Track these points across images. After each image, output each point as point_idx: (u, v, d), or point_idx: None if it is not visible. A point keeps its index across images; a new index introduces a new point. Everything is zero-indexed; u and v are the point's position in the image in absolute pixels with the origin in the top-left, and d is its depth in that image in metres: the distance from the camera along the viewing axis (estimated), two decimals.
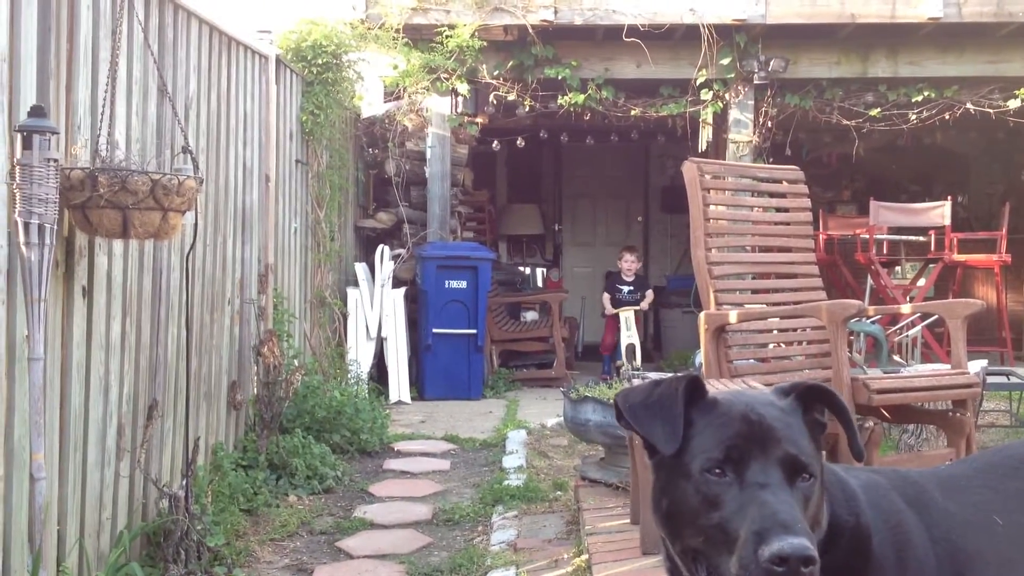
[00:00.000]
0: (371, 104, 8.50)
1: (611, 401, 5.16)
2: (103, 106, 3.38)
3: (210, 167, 4.67)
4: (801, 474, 1.58)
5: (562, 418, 6.45)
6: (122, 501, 3.67)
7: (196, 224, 4.05)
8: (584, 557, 3.88)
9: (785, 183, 4.87)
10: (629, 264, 9.36)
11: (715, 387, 3.87)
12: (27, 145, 2.83)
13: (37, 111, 2.86)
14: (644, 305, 9.30)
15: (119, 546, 3.55)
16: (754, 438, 1.60)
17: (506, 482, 5.33)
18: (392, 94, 8.51)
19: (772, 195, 4.96)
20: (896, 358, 7.59)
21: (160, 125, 4.01)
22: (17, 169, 2.83)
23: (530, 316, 9.62)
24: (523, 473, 5.53)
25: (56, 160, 2.90)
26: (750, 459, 1.59)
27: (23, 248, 2.85)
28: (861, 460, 1.66)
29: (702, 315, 4.31)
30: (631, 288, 9.31)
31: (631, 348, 8.68)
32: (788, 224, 4.84)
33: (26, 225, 2.84)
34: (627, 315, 8.89)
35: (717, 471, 1.59)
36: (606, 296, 9.31)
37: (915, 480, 1.78)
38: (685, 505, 1.60)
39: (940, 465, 2.06)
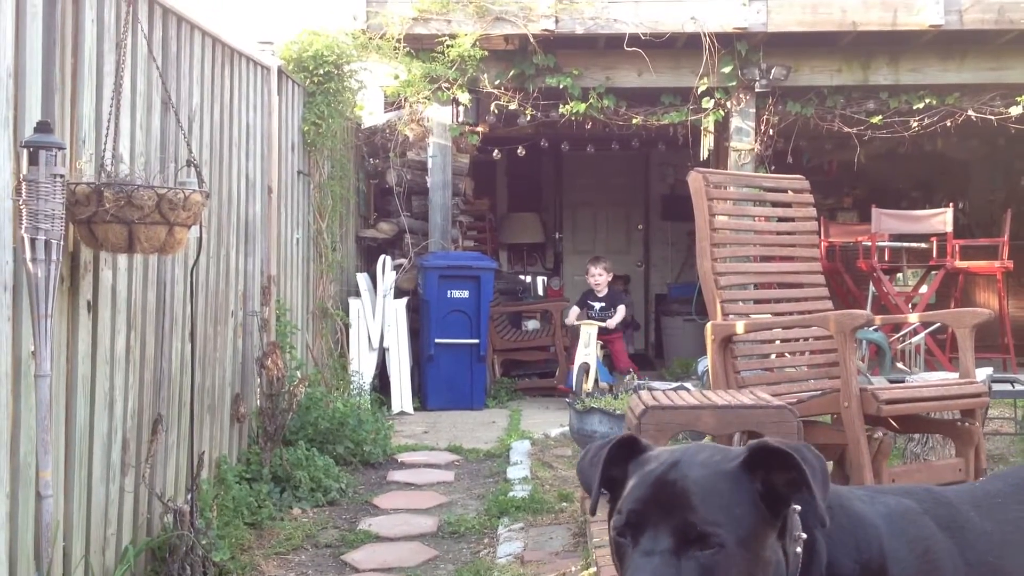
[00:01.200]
0: (372, 114, 8.49)
1: (617, 412, 5.16)
2: (108, 120, 3.36)
3: (213, 179, 4.65)
4: (697, 544, 1.48)
5: (566, 428, 6.46)
6: (127, 516, 3.65)
7: (200, 237, 4.03)
8: (592, 570, 3.86)
9: (790, 192, 4.86)
10: (596, 279, 8.41)
11: (720, 396, 3.86)
12: (33, 161, 2.81)
13: (43, 127, 2.85)
14: (610, 323, 8.19)
15: (124, 562, 3.52)
16: (658, 502, 1.53)
17: (511, 493, 5.30)
18: (393, 104, 8.50)
19: (777, 204, 4.95)
20: (900, 365, 7.59)
21: (164, 138, 4.00)
22: (23, 185, 2.81)
23: (531, 325, 9.60)
24: (528, 484, 5.50)
25: (62, 176, 2.89)
26: (647, 524, 1.53)
27: (29, 264, 2.83)
28: (824, 527, 1.54)
29: (709, 326, 4.30)
30: (603, 305, 8.37)
31: (584, 368, 7.77)
32: (794, 233, 4.83)
33: (32, 241, 2.82)
34: (590, 331, 7.91)
35: (621, 535, 1.55)
36: (574, 310, 8.40)
37: (949, 500, 1.75)
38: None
39: (974, 482, 2.03)
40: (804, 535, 1.59)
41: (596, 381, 7.73)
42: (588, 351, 7.81)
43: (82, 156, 3.26)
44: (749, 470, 1.56)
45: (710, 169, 5.49)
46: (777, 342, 4.65)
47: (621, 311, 8.35)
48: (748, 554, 1.50)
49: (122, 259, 3.55)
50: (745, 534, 1.51)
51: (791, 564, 1.57)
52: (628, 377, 7.85)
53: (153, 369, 3.88)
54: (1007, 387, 6.08)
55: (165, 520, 3.85)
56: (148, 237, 3.11)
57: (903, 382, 4.87)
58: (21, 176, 2.83)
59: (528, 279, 11.72)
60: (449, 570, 4.30)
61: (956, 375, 4.67)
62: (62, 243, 2.92)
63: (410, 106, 8.20)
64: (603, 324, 8.04)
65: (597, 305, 8.32)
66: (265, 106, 5.59)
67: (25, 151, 2.82)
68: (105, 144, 3.34)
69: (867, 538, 1.65)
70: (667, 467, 1.58)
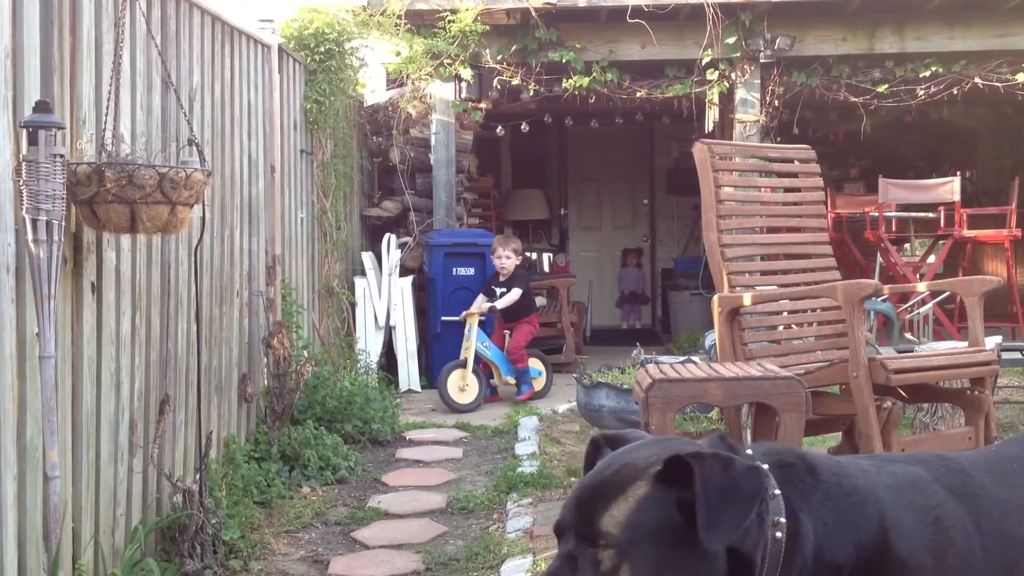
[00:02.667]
0: (374, 91, 8.45)
1: (625, 387, 5.15)
2: (108, 100, 3.33)
3: (215, 159, 4.63)
4: (596, 547, 1.53)
5: (573, 404, 6.45)
6: (136, 497, 3.65)
7: (204, 217, 4.01)
8: None
9: (797, 162, 4.82)
10: (502, 261, 7.49)
11: (728, 369, 3.84)
12: (33, 141, 2.79)
13: (42, 106, 2.83)
14: (485, 306, 7.34)
15: (134, 542, 3.53)
16: (575, 507, 1.60)
17: (519, 469, 5.30)
18: (395, 81, 8.46)
19: (784, 175, 4.91)
20: (908, 336, 7.56)
21: (165, 118, 3.97)
22: (23, 165, 2.79)
23: (538, 302, 9.56)
24: (536, 460, 5.50)
25: (63, 156, 2.87)
26: (565, 528, 1.60)
27: (31, 245, 2.82)
28: (711, 549, 1.49)
29: (715, 298, 4.27)
30: (504, 291, 7.49)
31: (459, 363, 7.10)
32: (800, 204, 4.80)
33: (34, 222, 2.81)
34: (471, 322, 7.20)
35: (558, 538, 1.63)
36: (478, 299, 7.52)
37: (962, 467, 1.71)
38: None
39: (987, 447, 1.98)
40: (784, 520, 1.56)
41: (482, 379, 7.16)
42: (467, 344, 7.16)
43: (82, 136, 3.24)
44: (664, 479, 1.55)
45: (715, 140, 5.46)
46: (784, 313, 4.62)
47: (512, 295, 7.38)
48: (653, 557, 1.50)
49: (125, 240, 3.53)
50: (645, 538, 1.51)
51: (770, 551, 1.54)
52: (512, 379, 7.32)
53: (159, 350, 3.88)
54: (1016, 355, 6.06)
55: (174, 500, 3.86)
56: (151, 217, 3.10)
57: (911, 352, 4.85)
58: (21, 156, 2.81)
59: (534, 256, 11.69)
60: (459, 545, 4.31)
61: (965, 344, 4.64)
62: (64, 224, 2.91)
63: (412, 83, 8.16)
64: (480, 313, 7.26)
65: (499, 291, 7.50)
66: (266, 85, 5.56)
67: (24, 131, 2.80)
68: (105, 124, 3.31)
69: (865, 516, 1.60)
70: (593, 473, 1.62)
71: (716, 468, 1.52)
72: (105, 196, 3.01)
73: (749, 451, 1.71)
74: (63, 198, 2.88)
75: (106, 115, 3.33)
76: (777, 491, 1.57)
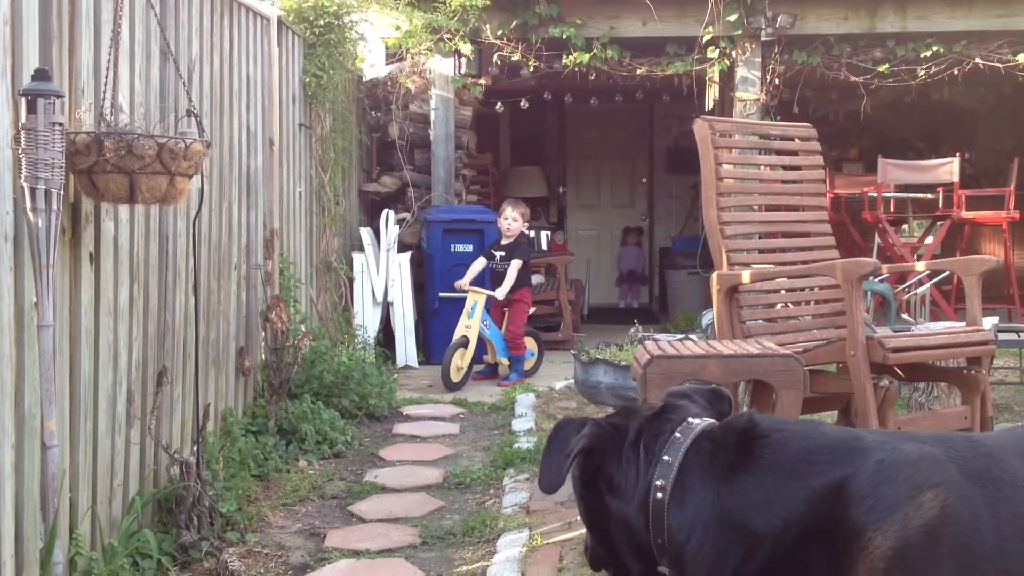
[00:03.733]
0: (373, 66, 8.41)
1: (623, 364, 5.15)
2: (107, 69, 3.31)
3: (214, 131, 4.61)
4: None
5: (571, 380, 6.45)
6: (133, 468, 3.66)
7: (202, 189, 4.00)
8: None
9: (797, 140, 4.81)
10: (508, 223, 7.36)
11: (725, 346, 3.84)
12: (32, 109, 2.78)
13: (41, 74, 2.81)
14: (499, 293, 7.15)
15: (131, 512, 3.53)
16: None
17: (516, 445, 5.31)
18: (395, 56, 8.41)
19: (784, 153, 4.90)
20: (905, 316, 7.56)
21: (164, 88, 3.95)
22: (22, 133, 2.78)
23: (536, 279, 9.56)
24: (533, 436, 5.52)
25: (61, 124, 2.85)
26: None
27: (30, 214, 2.80)
28: (543, 491, 1.94)
29: (714, 275, 4.27)
30: (503, 255, 7.35)
31: (460, 343, 6.98)
32: (800, 182, 4.79)
33: (32, 191, 2.79)
34: (476, 299, 7.09)
35: None
36: (477, 262, 7.39)
37: (988, 450, 1.66)
38: None
39: (1017, 426, 1.92)
40: (664, 483, 1.71)
41: (475, 358, 7.10)
42: (470, 323, 7.05)
43: (81, 105, 3.22)
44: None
45: (716, 117, 5.44)
46: (783, 292, 4.62)
47: (512, 271, 7.19)
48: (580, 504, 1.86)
49: (124, 211, 3.52)
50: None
51: (652, 510, 1.72)
52: (506, 360, 7.26)
53: (157, 322, 3.87)
54: (1012, 336, 6.07)
55: (172, 472, 3.86)
56: (149, 187, 3.08)
57: (908, 332, 4.85)
58: (20, 125, 2.79)
59: (532, 233, 11.68)
60: (455, 520, 4.32)
61: (962, 325, 4.65)
62: (62, 193, 2.89)
63: (412, 58, 8.12)
64: (491, 294, 7.15)
65: (498, 255, 7.37)
66: (265, 57, 5.53)
67: (23, 99, 2.78)
68: (104, 93, 3.29)
69: (805, 488, 1.61)
70: None
71: (553, 432, 1.89)
72: (104, 166, 2.99)
73: (695, 420, 1.79)
74: (62, 167, 2.87)
75: (105, 85, 3.31)
76: (667, 457, 1.73)
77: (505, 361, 7.34)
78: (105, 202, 3.23)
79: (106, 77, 3.31)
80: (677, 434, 1.76)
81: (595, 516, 1.84)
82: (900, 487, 1.57)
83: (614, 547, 1.81)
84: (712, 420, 1.81)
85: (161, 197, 3.13)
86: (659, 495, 1.71)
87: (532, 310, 7.66)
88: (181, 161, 3.10)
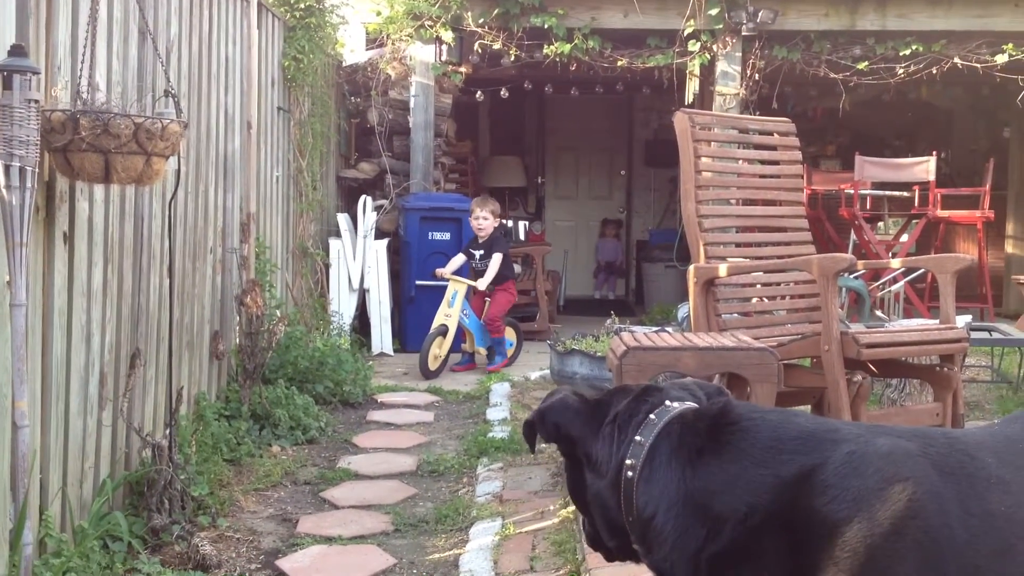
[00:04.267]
0: (354, 51, 8.36)
1: (598, 354, 5.15)
2: (84, 47, 3.27)
3: (191, 112, 4.57)
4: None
5: (546, 371, 6.46)
6: (105, 450, 3.63)
7: (179, 170, 3.97)
8: (571, 508, 3.87)
9: (776, 135, 4.83)
10: (479, 223, 7.35)
11: (701, 339, 3.85)
12: (7, 85, 2.74)
13: (17, 50, 2.77)
14: (480, 283, 7.21)
15: (102, 495, 3.50)
16: None
17: (490, 434, 5.31)
18: (375, 41, 8.38)
19: (763, 147, 4.91)
20: (878, 313, 7.62)
21: (141, 68, 3.91)
22: None
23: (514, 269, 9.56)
24: (507, 425, 5.52)
25: (37, 101, 2.82)
26: None
27: (3, 191, 2.77)
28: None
29: (691, 268, 4.28)
30: (482, 253, 7.37)
31: (440, 331, 6.98)
32: (779, 177, 4.81)
33: (6, 167, 2.76)
34: (455, 288, 7.13)
35: None
36: (456, 259, 7.40)
37: (963, 448, 1.66)
38: None
39: (993, 424, 1.93)
40: (634, 462, 1.75)
41: (454, 347, 7.14)
42: (450, 312, 7.07)
43: (57, 83, 3.18)
44: None
45: (696, 110, 5.45)
46: (759, 286, 4.64)
47: (494, 263, 7.25)
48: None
49: (99, 191, 3.48)
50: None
51: (623, 488, 1.76)
52: (483, 349, 7.27)
53: (131, 304, 3.84)
54: (985, 335, 6.13)
55: (143, 455, 3.83)
56: (125, 167, 3.05)
57: (882, 328, 4.88)
58: None
59: (510, 223, 11.66)
60: (428, 508, 4.31)
61: (935, 322, 4.68)
62: (37, 171, 2.86)
63: (392, 44, 8.08)
64: (471, 284, 7.19)
65: (477, 253, 7.37)
66: (244, 39, 5.48)
67: None
68: (81, 72, 3.25)
69: (772, 475, 1.63)
70: None
71: (543, 400, 1.96)
72: (79, 144, 2.96)
73: (673, 404, 1.81)
74: (36, 144, 2.83)
75: (82, 63, 3.27)
76: (639, 437, 1.76)
77: (483, 351, 7.33)
78: (80, 181, 3.19)
79: (83, 55, 3.27)
80: (652, 416, 1.78)
81: (576, 488, 1.90)
82: (868, 479, 1.58)
83: (593, 518, 1.85)
84: (692, 405, 1.82)
85: (137, 177, 3.10)
86: (629, 474, 1.75)
87: (515, 300, 7.65)
88: (158, 141, 3.07)
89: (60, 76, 3.20)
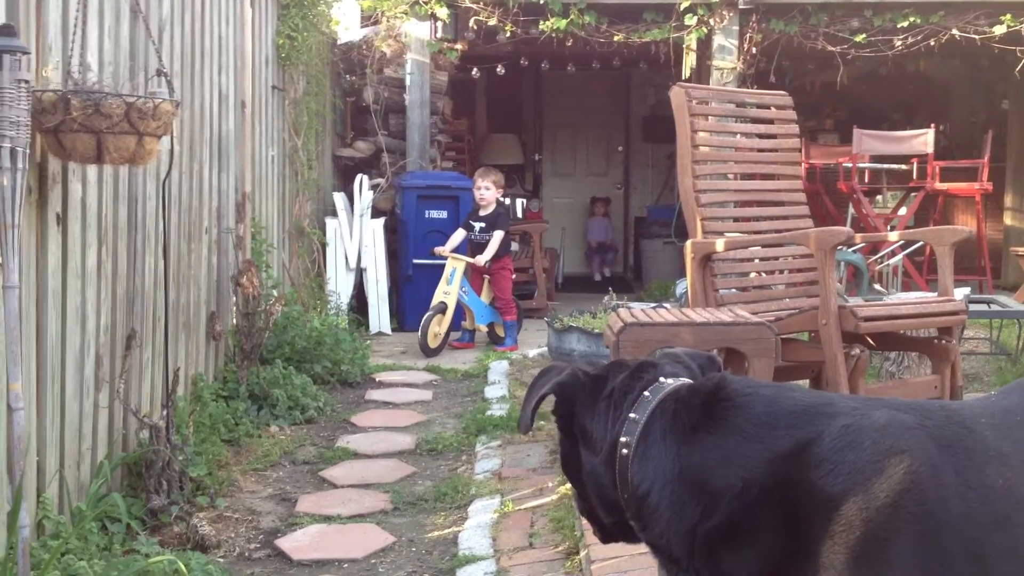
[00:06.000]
0: (348, 29, 8.32)
1: (596, 331, 5.15)
2: (75, 27, 3.24)
3: (185, 92, 4.54)
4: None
5: (544, 348, 6.45)
6: (102, 432, 3.62)
7: (172, 150, 3.94)
8: (569, 485, 3.87)
9: (773, 108, 4.80)
10: (482, 192, 7.29)
11: (699, 314, 3.85)
12: None
13: (7, 30, 2.74)
14: (479, 260, 7.11)
15: (100, 476, 3.50)
16: None
17: (489, 412, 5.31)
18: (370, 18, 8.32)
19: (760, 121, 4.89)
20: (876, 287, 7.61)
21: (133, 48, 3.88)
22: None
23: (512, 246, 9.53)
24: (506, 403, 5.52)
25: (28, 81, 2.79)
26: None
27: None
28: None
29: (688, 243, 4.26)
30: (483, 226, 7.27)
31: (439, 308, 6.93)
32: (776, 151, 4.78)
33: None
34: (456, 265, 7.08)
35: None
36: (457, 233, 7.33)
37: (960, 421, 1.64)
38: None
39: (990, 395, 1.90)
40: (629, 439, 1.73)
41: (453, 325, 7.12)
42: (448, 289, 7.01)
43: (48, 63, 3.15)
44: None
45: (693, 84, 5.42)
46: (756, 260, 4.63)
47: (495, 241, 7.15)
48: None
49: (91, 172, 3.46)
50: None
51: (618, 465, 1.74)
52: (483, 326, 7.26)
53: (126, 285, 3.82)
54: (983, 307, 6.12)
55: (141, 436, 3.83)
56: (117, 147, 3.03)
57: (880, 301, 4.87)
58: None
59: (507, 201, 11.63)
60: (427, 485, 4.32)
61: (933, 295, 4.67)
62: (28, 152, 2.84)
63: (387, 21, 8.04)
64: (471, 260, 7.11)
65: (477, 226, 7.28)
66: (238, 18, 5.44)
67: None
68: (72, 51, 3.22)
69: (766, 449, 1.62)
70: None
71: (538, 375, 1.95)
72: (71, 125, 2.94)
73: (668, 380, 1.80)
74: (27, 125, 2.81)
75: (72, 43, 3.24)
76: (634, 415, 1.74)
77: (483, 328, 7.33)
78: (72, 162, 3.17)
79: (74, 35, 3.24)
80: (647, 393, 1.77)
81: (570, 462, 1.88)
82: (864, 452, 1.57)
83: (588, 495, 1.84)
84: (687, 380, 1.81)
85: (129, 157, 3.08)
86: (624, 451, 1.74)
87: (513, 277, 7.64)
88: (150, 121, 3.05)
89: (51, 56, 3.17)
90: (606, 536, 1.91)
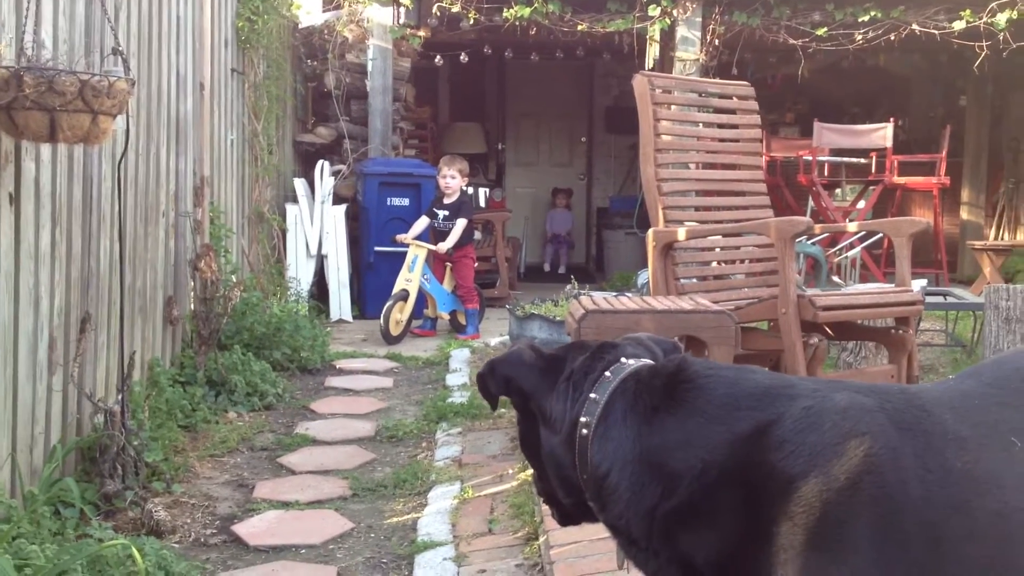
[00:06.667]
0: (310, 13, 8.24)
1: (557, 319, 5.15)
2: (28, 3, 3.18)
3: (142, 73, 4.47)
4: None
5: (506, 337, 6.44)
6: (55, 416, 3.56)
7: (128, 130, 3.88)
8: (529, 472, 3.87)
9: (736, 99, 4.81)
10: (447, 180, 7.30)
11: (660, 302, 3.85)
12: None
13: None
14: (442, 247, 7.11)
15: (53, 461, 3.44)
16: None
17: (450, 400, 5.30)
18: (332, 2, 8.25)
19: (722, 111, 4.90)
20: (835, 279, 7.68)
21: (88, 26, 3.81)
22: None
23: (475, 236, 9.50)
24: (467, 391, 5.50)
25: None
26: None
27: None
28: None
29: (650, 232, 4.27)
30: (446, 214, 7.27)
31: (400, 296, 6.91)
32: (737, 141, 4.80)
33: None
34: (417, 253, 7.05)
35: None
36: (420, 221, 7.33)
37: (921, 403, 1.65)
38: None
39: (948, 379, 1.91)
40: (588, 420, 1.72)
41: (415, 312, 7.12)
42: (410, 276, 6.98)
43: (1, 41, 3.08)
44: None
45: (656, 73, 5.42)
46: (717, 250, 4.64)
47: (458, 228, 7.14)
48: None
49: (45, 151, 3.40)
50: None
51: (578, 446, 1.73)
52: (446, 314, 7.25)
53: (80, 267, 3.76)
54: (939, 299, 6.19)
55: (95, 420, 3.78)
56: (71, 125, 2.97)
57: (839, 292, 4.91)
58: None
59: (470, 190, 11.59)
60: (387, 472, 4.30)
61: (891, 286, 4.71)
62: None
63: (349, 5, 7.98)
64: (432, 248, 7.10)
65: (441, 214, 7.27)
66: None
67: None
68: (25, 28, 3.16)
69: (727, 431, 1.62)
70: None
71: (504, 353, 1.91)
72: (23, 102, 2.88)
73: (629, 361, 1.79)
74: None
75: (26, 19, 3.17)
76: (594, 395, 1.73)
77: (446, 315, 7.31)
78: (25, 140, 3.11)
79: (27, 11, 3.17)
80: (607, 373, 1.76)
81: (528, 443, 1.87)
82: (825, 434, 1.57)
83: (547, 476, 1.83)
84: (648, 362, 1.80)
85: (83, 136, 3.03)
86: (584, 431, 1.72)
87: (475, 265, 7.62)
88: (104, 99, 3.00)
89: (4, 33, 3.10)
90: (564, 518, 1.90)
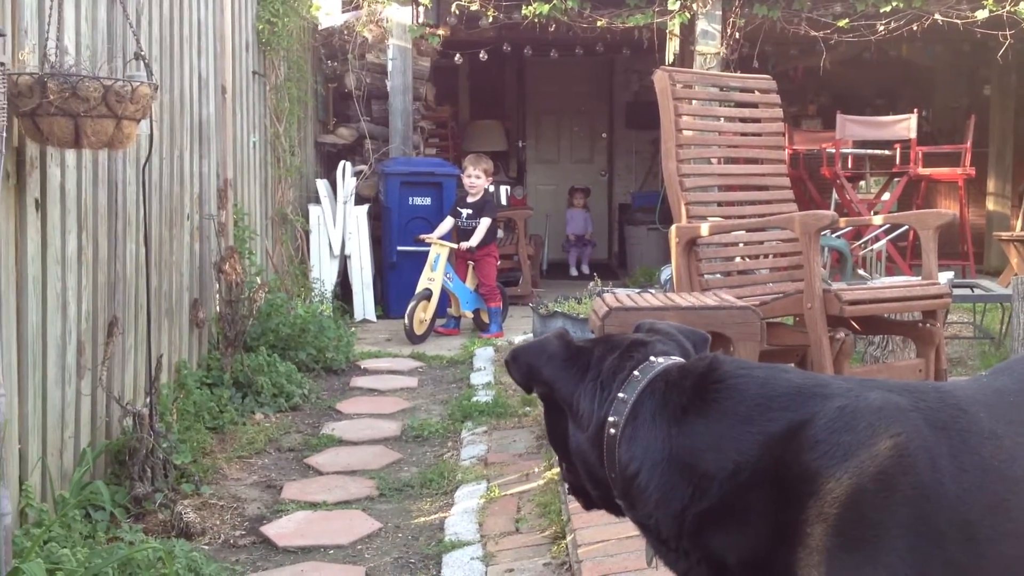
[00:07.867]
0: (329, 14, 8.26)
1: (581, 316, 5.13)
2: (51, 10, 3.20)
3: (164, 77, 4.49)
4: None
5: (530, 335, 6.44)
6: (85, 419, 3.59)
7: (152, 135, 3.90)
8: (555, 470, 3.87)
9: (757, 92, 4.79)
10: (472, 180, 7.33)
11: (683, 298, 3.84)
12: None
13: None
14: (463, 246, 7.14)
15: (83, 464, 3.47)
16: None
17: (475, 398, 5.30)
18: (351, 3, 8.27)
19: (743, 105, 4.87)
20: (860, 272, 7.63)
21: (111, 31, 3.83)
22: None
23: (497, 233, 9.49)
24: (491, 389, 5.51)
25: (3, 65, 2.75)
26: None
27: None
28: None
29: (673, 228, 4.25)
30: (470, 212, 7.28)
31: (423, 295, 6.93)
32: (760, 135, 4.77)
33: None
34: (440, 252, 7.07)
35: None
36: (446, 221, 7.34)
37: (954, 403, 1.62)
38: None
39: (981, 376, 1.89)
40: (616, 419, 1.70)
41: (439, 311, 7.12)
42: (433, 275, 7.00)
43: (24, 47, 3.10)
44: None
45: (677, 68, 5.40)
46: (741, 245, 4.62)
47: (482, 227, 7.16)
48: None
49: (70, 157, 3.42)
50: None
51: (606, 445, 1.71)
52: (470, 312, 7.26)
53: (107, 271, 3.79)
54: (967, 292, 6.13)
55: (124, 423, 3.80)
56: (95, 131, 2.99)
57: (865, 285, 4.87)
58: None
59: (492, 188, 11.58)
60: (413, 472, 4.30)
61: (917, 279, 4.67)
62: (5, 135, 2.79)
63: (368, 6, 7.99)
64: (454, 246, 7.14)
65: (465, 212, 7.28)
66: (217, 2, 5.39)
67: None
68: (48, 34, 3.18)
69: (760, 431, 1.60)
70: None
71: (534, 340, 1.91)
72: (48, 108, 2.90)
73: (659, 359, 1.77)
74: (3, 109, 2.76)
75: (48, 25, 3.19)
76: (623, 395, 1.71)
77: (469, 314, 7.32)
78: (50, 146, 3.13)
79: (50, 17, 3.19)
80: (636, 372, 1.75)
81: (555, 434, 1.87)
82: (859, 434, 1.55)
83: (575, 467, 1.83)
84: (678, 360, 1.79)
85: (108, 141, 3.04)
86: (612, 431, 1.71)
87: (498, 263, 7.63)
88: (128, 104, 3.01)
89: (27, 39, 3.13)
90: (590, 504, 1.90)
